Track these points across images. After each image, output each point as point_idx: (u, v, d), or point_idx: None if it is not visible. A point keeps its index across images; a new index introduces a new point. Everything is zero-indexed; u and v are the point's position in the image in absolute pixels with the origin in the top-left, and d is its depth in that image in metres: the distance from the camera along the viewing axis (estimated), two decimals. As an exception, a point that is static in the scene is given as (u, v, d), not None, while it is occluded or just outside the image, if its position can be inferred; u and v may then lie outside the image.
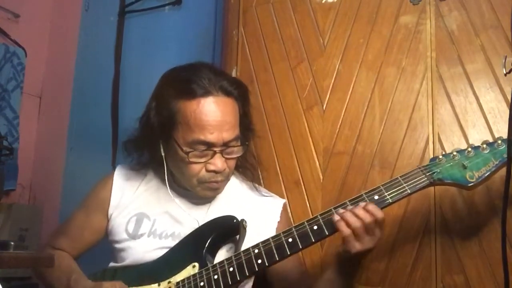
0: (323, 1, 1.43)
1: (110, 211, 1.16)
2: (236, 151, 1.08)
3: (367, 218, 0.93)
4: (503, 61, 1.09)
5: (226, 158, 1.06)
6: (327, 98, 1.36)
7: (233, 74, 1.50)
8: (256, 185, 1.22)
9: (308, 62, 1.41)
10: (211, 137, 1.01)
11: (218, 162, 1.04)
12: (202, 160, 1.04)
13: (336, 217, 0.95)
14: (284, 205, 1.21)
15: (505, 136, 0.97)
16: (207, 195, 1.13)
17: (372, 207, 0.94)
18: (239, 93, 1.09)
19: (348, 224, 0.93)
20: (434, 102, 1.22)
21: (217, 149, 1.04)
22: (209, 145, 1.03)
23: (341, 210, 0.96)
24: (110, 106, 2.20)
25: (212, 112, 1.01)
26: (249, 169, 1.20)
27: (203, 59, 1.93)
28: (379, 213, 0.94)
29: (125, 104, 2.19)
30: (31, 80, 2.38)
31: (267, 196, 1.21)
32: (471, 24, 1.21)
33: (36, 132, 2.45)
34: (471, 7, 1.22)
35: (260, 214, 1.14)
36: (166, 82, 1.12)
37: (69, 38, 2.44)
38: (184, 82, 1.05)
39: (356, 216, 0.93)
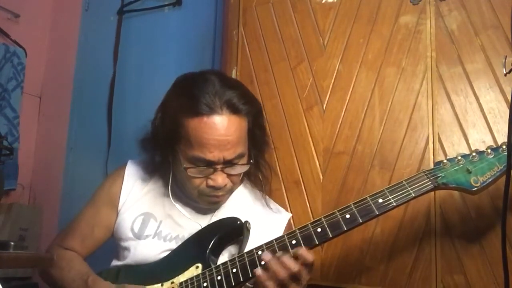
0: (323, 1, 1.43)
1: (119, 207, 1.16)
2: (240, 168, 1.06)
3: (295, 267, 0.90)
4: (503, 61, 1.10)
5: (229, 174, 1.05)
6: (327, 98, 1.36)
7: (233, 74, 1.50)
8: (266, 196, 1.19)
9: (308, 62, 1.41)
10: (210, 155, 1.00)
11: (218, 179, 1.03)
12: (202, 175, 1.04)
13: (258, 271, 0.92)
14: (289, 221, 1.19)
15: (505, 136, 0.98)
16: (208, 207, 1.13)
17: (303, 251, 0.92)
18: (249, 108, 1.05)
19: (273, 277, 0.90)
20: (434, 102, 1.22)
21: (218, 167, 1.02)
22: (209, 163, 1.02)
23: (267, 257, 0.93)
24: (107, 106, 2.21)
25: (214, 131, 0.99)
26: (260, 179, 1.17)
27: (203, 59, 1.98)
28: (309, 257, 0.91)
29: (125, 104, 2.19)
30: (31, 80, 2.38)
31: (273, 210, 1.19)
32: (471, 24, 1.21)
33: (36, 132, 2.45)
34: (471, 7, 1.22)
35: (263, 228, 1.12)
36: (173, 93, 1.10)
37: (69, 38, 2.44)
38: (189, 97, 1.02)
39: (283, 266, 0.91)
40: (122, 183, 1.17)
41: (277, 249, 0.97)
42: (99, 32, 2.35)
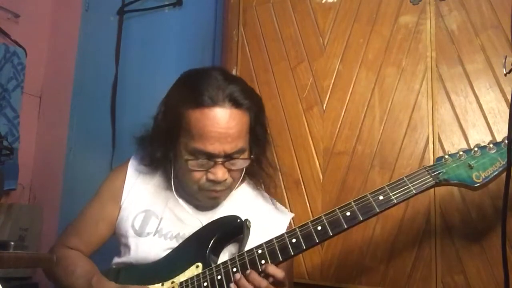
0: (323, 1, 1.43)
1: (122, 201, 1.16)
2: (241, 163, 1.06)
3: (263, 284, 0.92)
4: (503, 61, 1.10)
5: (229, 169, 1.05)
6: (327, 98, 1.36)
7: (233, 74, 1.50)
8: (267, 195, 1.19)
9: (308, 62, 1.41)
10: (211, 147, 1.00)
11: (218, 172, 1.03)
12: (202, 168, 1.04)
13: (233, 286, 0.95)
14: (290, 222, 1.18)
15: (505, 136, 0.97)
16: (207, 203, 1.12)
17: (270, 269, 0.93)
18: (251, 103, 1.05)
19: None
20: (434, 102, 1.22)
21: (218, 160, 1.02)
22: (209, 156, 1.02)
23: (237, 276, 0.96)
24: (110, 106, 2.21)
25: (215, 123, 0.99)
26: (262, 177, 1.16)
27: (203, 59, 1.98)
28: (278, 274, 0.93)
29: (125, 103, 2.19)
30: (31, 80, 2.38)
31: (275, 210, 1.18)
32: (471, 24, 1.22)
33: (36, 132, 2.45)
34: (471, 7, 1.22)
35: (265, 227, 1.11)
36: (176, 87, 1.10)
37: (69, 38, 2.44)
38: (192, 90, 1.03)
39: (252, 283, 0.93)
40: (125, 178, 1.18)
41: (277, 248, 0.97)
42: (99, 32, 2.36)
